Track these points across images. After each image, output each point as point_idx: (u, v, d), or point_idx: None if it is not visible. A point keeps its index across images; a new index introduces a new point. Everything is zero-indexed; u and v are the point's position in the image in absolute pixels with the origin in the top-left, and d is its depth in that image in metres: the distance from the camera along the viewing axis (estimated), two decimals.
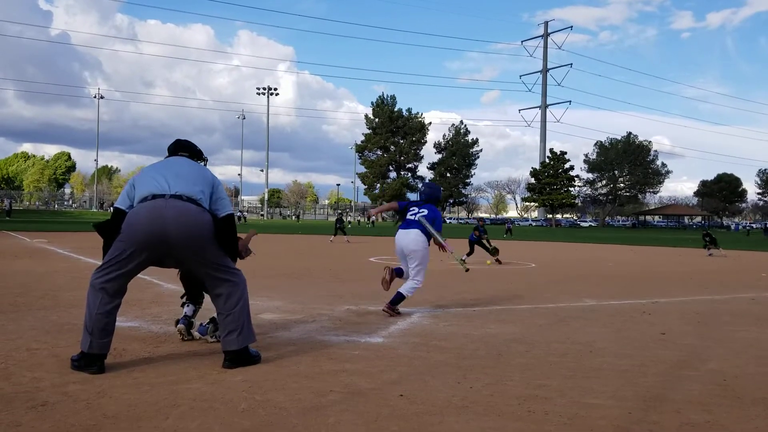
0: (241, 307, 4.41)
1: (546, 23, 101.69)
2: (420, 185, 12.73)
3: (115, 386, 3.70)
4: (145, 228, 4.06)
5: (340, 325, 5.96)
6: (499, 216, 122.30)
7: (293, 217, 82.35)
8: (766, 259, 21.45)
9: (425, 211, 6.96)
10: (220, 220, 4.38)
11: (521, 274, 13.02)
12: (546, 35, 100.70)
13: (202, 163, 4.74)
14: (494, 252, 16.03)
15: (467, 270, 7.81)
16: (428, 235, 6.83)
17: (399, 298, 6.77)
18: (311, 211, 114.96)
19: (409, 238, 6.88)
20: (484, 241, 16.40)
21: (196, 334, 5.20)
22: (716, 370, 4.55)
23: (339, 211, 40.54)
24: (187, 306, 5.30)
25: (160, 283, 9.04)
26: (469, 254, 15.90)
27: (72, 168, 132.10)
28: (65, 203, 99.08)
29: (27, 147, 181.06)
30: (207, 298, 5.02)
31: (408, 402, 3.54)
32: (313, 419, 3.21)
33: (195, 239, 4.14)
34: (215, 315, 4.72)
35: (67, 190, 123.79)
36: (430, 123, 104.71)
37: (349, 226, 62.82)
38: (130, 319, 6.05)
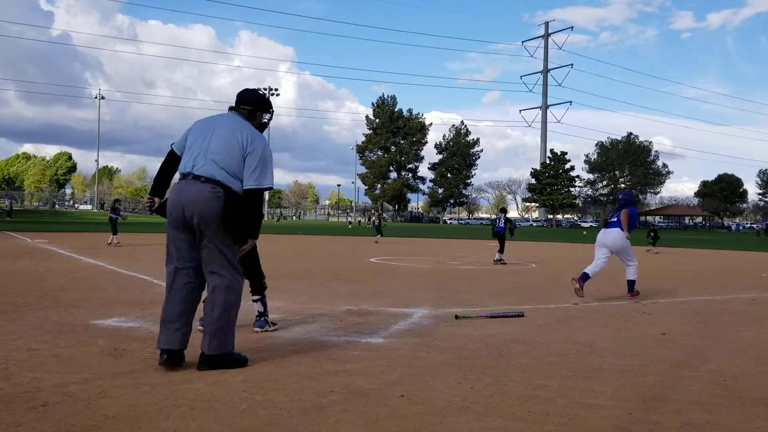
0: (218, 312, 4.21)
1: (546, 23, 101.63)
2: (618, 194, 12.38)
3: (116, 386, 3.70)
4: (171, 211, 4.17)
5: (341, 326, 5.96)
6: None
7: (275, 217, 78.68)
8: (766, 259, 21.43)
9: (623, 213, 8.57)
10: (241, 192, 4.17)
11: (522, 274, 13.02)
12: (546, 35, 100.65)
13: (267, 117, 4.56)
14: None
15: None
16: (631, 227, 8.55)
17: (632, 282, 8.66)
18: (312, 211, 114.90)
19: (611, 237, 8.62)
20: (507, 233, 15.83)
21: (256, 329, 5.55)
22: (716, 370, 4.55)
23: (376, 212, 40.15)
24: (258, 303, 5.64)
25: (161, 284, 9.04)
26: (501, 250, 15.64)
27: (73, 168, 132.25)
28: (66, 203, 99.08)
29: (28, 147, 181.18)
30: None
31: (408, 402, 3.54)
32: (313, 419, 3.21)
33: (204, 224, 4.07)
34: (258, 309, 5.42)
35: (68, 191, 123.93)
36: (431, 123, 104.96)
37: (350, 227, 62.94)
38: (131, 319, 6.05)
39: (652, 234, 24.42)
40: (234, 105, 4.45)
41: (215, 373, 4.07)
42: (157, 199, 4.50)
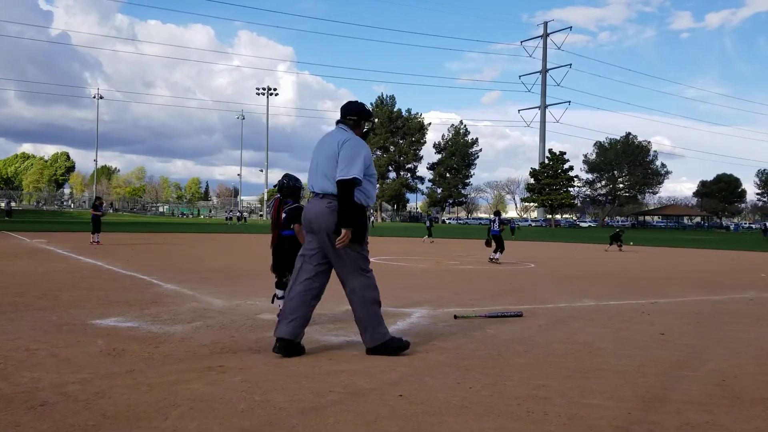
0: (367, 312, 4.68)
1: (545, 23, 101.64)
2: None
3: (114, 387, 3.70)
4: (304, 223, 4.83)
5: (340, 326, 5.96)
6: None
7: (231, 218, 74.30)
8: (765, 259, 21.46)
9: None
10: (336, 184, 4.53)
11: (520, 275, 13.02)
12: (545, 35, 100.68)
13: (368, 125, 4.91)
14: (501, 249, 16.07)
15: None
16: None
17: None
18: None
19: None
20: (508, 232, 16.31)
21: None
22: (716, 370, 4.55)
23: (431, 214, 39.79)
24: (278, 299, 5.82)
25: (160, 284, 9.04)
26: (501, 250, 15.94)
27: (71, 168, 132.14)
28: (65, 203, 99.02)
29: (27, 147, 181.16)
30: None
31: (407, 402, 3.54)
32: (312, 419, 3.21)
33: (324, 232, 4.59)
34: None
35: (67, 191, 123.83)
36: (430, 123, 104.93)
37: None
38: (130, 319, 6.05)
39: (621, 234, 25.08)
40: (341, 117, 4.85)
41: (214, 373, 4.07)
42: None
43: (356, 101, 4.95)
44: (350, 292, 4.72)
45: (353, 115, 4.82)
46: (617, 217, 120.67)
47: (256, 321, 6.13)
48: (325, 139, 4.81)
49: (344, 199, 4.50)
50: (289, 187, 6.12)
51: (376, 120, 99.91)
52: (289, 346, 4.57)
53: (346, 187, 4.48)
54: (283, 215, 5.96)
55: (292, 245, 5.73)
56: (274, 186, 6.10)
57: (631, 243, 24.34)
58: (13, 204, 61.14)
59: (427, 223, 30.25)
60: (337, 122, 4.84)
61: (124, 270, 11.03)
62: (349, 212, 4.52)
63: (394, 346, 4.70)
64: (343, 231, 4.49)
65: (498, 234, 16.19)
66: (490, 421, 3.26)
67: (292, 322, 4.58)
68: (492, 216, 17.34)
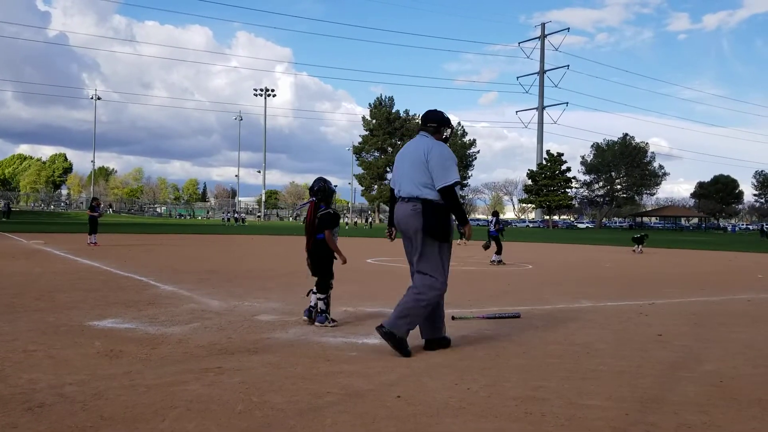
0: (411, 300, 4.86)
1: (543, 25, 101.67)
2: None
3: (112, 388, 3.69)
4: (396, 226, 5.20)
5: (338, 327, 5.96)
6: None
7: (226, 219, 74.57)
8: (762, 260, 21.49)
9: None
10: (437, 199, 4.90)
11: (518, 276, 13.02)
12: (543, 37, 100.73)
13: (448, 131, 5.23)
14: (487, 247, 16.17)
15: None
16: None
17: None
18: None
19: None
20: (501, 235, 16.34)
21: (317, 324, 5.94)
22: (713, 371, 4.56)
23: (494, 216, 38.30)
24: (313, 294, 6.04)
25: (157, 285, 9.03)
26: (498, 252, 15.98)
27: (69, 169, 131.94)
28: (62, 204, 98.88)
29: (24, 148, 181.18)
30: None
31: (405, 403, 3.54)
32: (310, 421, 3.21)
33: (411, 233, 4.96)
34: (313, 304, 5.97)
35: (64, 192, 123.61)
36: None
37: (346, 227, 62.91)
38: (127, 320, 6.04)
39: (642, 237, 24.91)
40: (421, 125, 5.20)
41: (211, 374, 4.07)
42: (393, 229, 5.42)
43: (435, 110, 5.25)
44: (413, 286, 4.97)
45: (433, 122, 5.15)
46: (615, 218, 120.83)
47: (254, 322, 6.13)
48: (409, 147, 5.16)
49: (452, 201, 4.92)
50: (324, 191, 6.21)
51: (374, 121, 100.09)
52: (432, 343, 5.06)
53: (450, 191, 4.89)
54: (317, 220, 6.08)
55: (324, 249, 6.03)
56: (309, 189, 6.23)
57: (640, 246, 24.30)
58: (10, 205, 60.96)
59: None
60: (419, 130, 5.21)
61: (121, 271, 11.01)
62: (460, 211, 5.01)
63: (398, 345, 4.80)
64: (466, 228, 5.07)
65: (496, 235, 16.25)
66: (488, 422, 3.26)
67: (426, 320, 5.01)
68: (490, 217, 17.39)
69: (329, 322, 5.95)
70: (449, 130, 5.26)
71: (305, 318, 6.09)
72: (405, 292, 5.00)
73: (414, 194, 4.93)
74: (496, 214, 17.32)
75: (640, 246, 24.24)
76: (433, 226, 4.86)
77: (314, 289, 6.10)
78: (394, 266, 14.35)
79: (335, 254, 6.13)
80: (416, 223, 4.89)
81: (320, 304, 5.98)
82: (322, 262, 6.08)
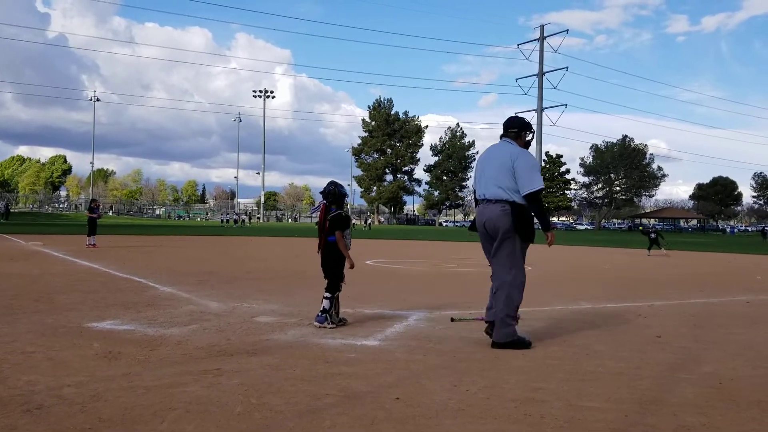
0: (507, 305, 5.18)
1: (542, 27, 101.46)
2: None
3: (110, 389, 3.69)
4: (478, 227, 5.47)
5: (337, 329, 5.95)
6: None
7: (224, 220, 75.14)
8: (761, 261, 21.50)
9: None
10: (523, 201, 5.22)
11: None
12: (542, 39, 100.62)
13: (530, 135, 5.50)
14: None
15: None
16: None
17: None
18: (307, 213, 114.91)
19: None
20: None
21: (315, 323, 5.97)
22: (712, 372, 4.56)
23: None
24: (325, 299, 6.05)
25: (156, 286, 9.02)
26: None
27: (68, 171, 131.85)
28: (61, 206, 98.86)
29: (23, 150, 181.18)
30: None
31: (404, 405, 3.54)
32: (309, 422, 3.21)
33: (498, 232, 5.23)
34: (324, 305, 5.98)
35: (63, 193, 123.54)
36: (427, 126, 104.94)
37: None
38: (126, 322, 6.04)
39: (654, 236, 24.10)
40: (503, 131, 5.48)
41: (210, 376, 4.07)
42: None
43: (516, 115, 5.60)
44: (499, 286, 5.28)
45: (514, 127, 5.46)
46: (614, 220, 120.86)
47: (253, 324, 6.12)
48: (493, 151, 5.46)
49: (537, 207, 5.27)
50: (334, 194, 6.26)
51: (373, 122, 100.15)
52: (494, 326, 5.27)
53: (536, 197, 5.21)
54: (327, 222, 6.14)
55: (335, 251, 6.09)
56: (321, 192, 6.28)
57: (651, 250, 23.37)
58: (9, 206, 60.95)
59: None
60: (501, 136, 5.50)
61: (120, 272, 11.00)
62: (545, 217, 5.42)
63: (520, 345, 5.18)
64: (549, 234, 5.35)
65: None
66: (487, 424, 3.26)
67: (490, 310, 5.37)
68: None
69: (329, 323, 5.95)
70: (531, 134, 5.53)
71: (332, 326, 6.04)
72: (490, 293, 5.43)
73: (502, 197, 5.23)
74: None
75: (661, 247, 23.06)
76: (521, 227, 5.20)
77: (326, 295, 6.12)
78: (393, 267, 14.36)
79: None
80: (505, 223, 5.19)
81: (325, 303, 6.01)
82: (333, 263, 6.12)
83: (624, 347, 5.42)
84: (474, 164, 5.00)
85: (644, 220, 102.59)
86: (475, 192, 5.62)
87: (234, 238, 31.48)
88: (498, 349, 5.14)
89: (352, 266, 6.13)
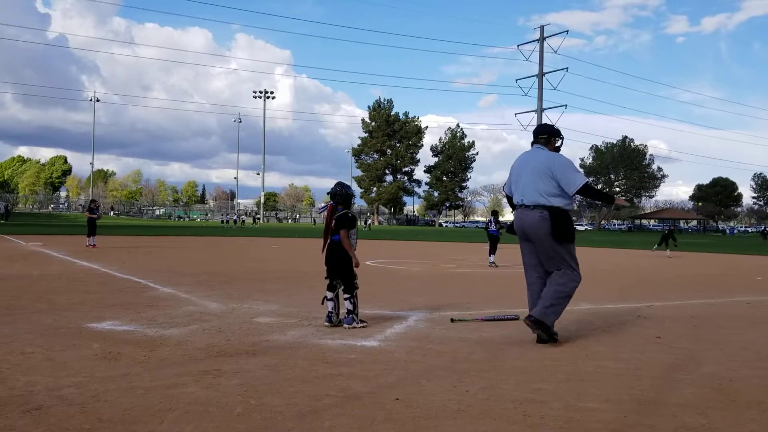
0: (553, 291, 5.40)
1: (542, 27, 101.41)
2: None
3: (110, 390, 3.69)
4: (517, 231, 5.67)
5: (336, 329, 5.96)
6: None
7: (225, 221, 75.81)
8: (760, 262, 21.51)
9: None
10: (562, 206, 5.45)
11: (516, 278, 13.01)
12: (542, 39, 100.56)
13: (559, 141, 5.75)
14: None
15: None
16: None
17: None
18: (307, 214, 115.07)
19: None
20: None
21: (345, 325, 6.04)
22: (711, 373, 4.56)
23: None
24: (328, 300, 6.16)
25: (156, 287, 9.02)
26: (493, 252, 15.93)
27: (68, 171, 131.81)
28: (60, 206, 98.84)
29: (23, 150, 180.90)
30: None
31: (404, 406, 3.54)
32: (308, 423, 3.21)
33: (539, 237, 5.44)
34: (331, 309, 6.09)
35: (63, 194, 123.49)
36: (427, 127, 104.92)
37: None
38: (125, 322, 6.03)
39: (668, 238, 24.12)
40: (534, 138, 5.75)
41: (210, 377, 4.07)
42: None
43: (546, 123, 5.93)
44: (549, 283, 5.49)
45: (544, 134, 5.71)
46: (614, 221, 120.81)
47: (253, 324, 6.12)
48: (527, 158, 5.69)
49: (592, 195, 5.75)
50: (341, 195, 6.31)
51: (373, 123, 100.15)
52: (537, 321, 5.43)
53: (585, 190, 5.46)
54: (333, 222, 6.19)
55: (341, 250, 6.15)
56: (327, 193, 6.33)
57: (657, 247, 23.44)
58: (9, 207, 60.91)
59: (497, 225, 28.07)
60: (532, 143, 5.77)
61: (119, 273, 11.01)
62: (603, 196, 6.05)
63: (548, 331, 5.39)
64: (617, 199, 6.06)
65: (497, 234, 16.18)
66: (487, 425, 3.26)
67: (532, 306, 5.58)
68: (489, 216, 17.34)
69: (357, 323, 6.01)
70: (560, 140, 5.78)
71: (326, 324, 6.09)
72: (527, 292, 5.70)
73: (540, 202, 5.43)
74: (495, 213, 17.19)
75: (667, 248, 23.00)
76: (560, 230, 5.40)
77: (327, 295, 6.17)
78: (393, 268, 14.36)
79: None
80: (544, 228, 5.39)
81: (347, 305, 6.06)
82: (340, 263, 6.16)
83: (623, 348, 5.42)
84: (510, 168, 5.07)
85: (644, 221, 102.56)
86: (508, 197, 5.95)
87: (234, 238, 31.47)
88: (495, 349, 5.14)
89: (357, 265, 6.16)
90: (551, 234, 5.38)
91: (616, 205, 5.79)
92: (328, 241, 6.25)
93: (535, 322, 5.32)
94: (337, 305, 6.17)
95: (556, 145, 5.75)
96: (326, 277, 6.26)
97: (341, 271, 6.16)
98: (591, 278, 13.07)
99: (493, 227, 16.45)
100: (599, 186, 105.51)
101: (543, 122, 5.87)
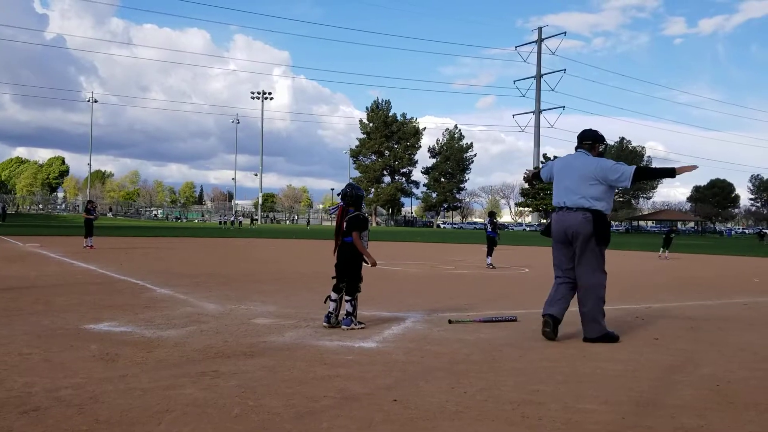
0: (597, 304, 5.65)
1: (540, 29, 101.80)
2: None
3: (108, 391, 3.68)
4: (555, 234, 5.92)
5: (334, 330, 5.95)
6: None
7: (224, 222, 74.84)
8: (758, 264, 21.54)
9: None
10: (603, 209, 5.73)
11: (515, 279, 13.04)
12: (540, 41, 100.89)
13: (602, 146, 5.99)
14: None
15: None
16: None
17: None
18: (305, 215, 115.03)
19: None
20: (497, 238, 16.32)
21: (343, 327, 6.03)
22: (709, 374, 4.56)
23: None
24: (331, 300, 6.19)
25: (153, 288, 9.01)
26: (490, 253, 15.92)
27: (65, 172, 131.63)
28: (58, 207, 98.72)
29: (21, 151, 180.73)
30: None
31: (402, 407, 3.54)
32: (306, 424, 3.20)
33: (580, 238, 5.68)
34: (332, 310, 6.12)
35: (60, 195, 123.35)
36: (425, 128, 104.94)
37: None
38: (123, 323, 6.03)
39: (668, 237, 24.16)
40: (578, 143, 6.01)
41: (207, 378, 4.06)
42: (529, 171, 6.91)
43: (590, 129, 6.06)
44: (585, 289, 5.70)
45: (588, 140, 5.96)
46: (611, 222, 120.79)
47: (250, 326, 6.12)
48: (572, 162, 5.93)
49: (645, 178, 6.18)
50: (351, 196, 6.32)
51: (371, 124, 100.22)
52: (553, 320, 5.66)
53: (636, 177, 5.71)
54: (345, 223, 6.19)
55: (352, 252, 6.14)
56: (338, 194, 6.34)
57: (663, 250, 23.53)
58: (6, 208, 60.85)
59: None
60: (576, 148, 6.01)
61: (117, 274, 10.99)
62: (659, 171, 6.46)
63: (610, 339, 5.64)
64: (678, 169, 5.92)
65: (493, 235, 16.18)
66: (485, 426, 3.26)
67: (558, 303, 5.76)
68: (486, 218, 17.36)
69: (356, 325, 6.02)
70: (603, 145, 6.03)
71: (325, 324, 6.08)
72: (552, 290, 5.92)
73: (584, 205, 5.68)
74: (492, 214, 17.17)
75: (665, 250, 23.08)
76: (601, 232, 5.67)
77: (331, 296, 6.18)
78: (391, 269, 14.35)
79: (364, 257, 6.18)
80: (587, 229, 5.64)
81: (347, 306, 6.06)
82: (350, 265, 6.16)
83: (621, 349, 5.42)
84: (551, 166, 5.16)
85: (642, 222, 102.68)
86: (539, 177, 6.43)
87: (232, 239, 31.45)
88: (493, 351, 5.14)
89: (374, 264, 6.17)
90: (593, 234, 5.63)
91: (679, 174, 5.81)
92: (340, 242, 6.25)
93: (598, 339, 5.61)
94: (338, 307, 6.16)
95: (600, 149, 5.98)
96: (334, 277, 6.25)
97: (347, 273, 6.15)
98: None
99: (490, 229, 16.45)
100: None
101: (587, 128, 5.93)
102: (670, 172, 5.99)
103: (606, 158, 5.91)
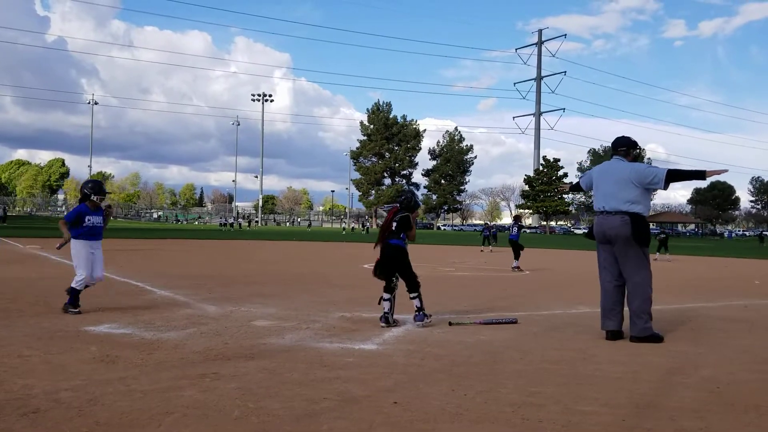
0: (644, 301, 5.86)
1: (540, 31, 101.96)
2: None
3: (107, 393, 3.68)
4: (597, 235, 6.18)
5: (334, 332, 5.95)
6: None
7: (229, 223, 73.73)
8: (758, 266, 21.54)
9: None
10: (640, 212, 5.94)
11: (515, 281, 13.03)
12: (540, 43, 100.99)
13: (635, 151, 6.28)
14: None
15: None
16: None
17: None
18: (305, 217, 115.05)
19: None
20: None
21: (417, 323, 6.34)
22: (709, 376, 4.56)
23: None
24: (384, 301, 6.37)
25: (154, 290, 9.01)
26: (516, 256, 16.09)
27: (66, 174, 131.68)
28: (59, 209, 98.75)
29: (22, 153, 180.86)
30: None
31: (402, 409, 3.54)
32: (306, 426, 3.20)
33: (621, 241, 5.92)
34: (387, 310, 6.35)
35: (61, 197, 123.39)
36: (425, 130, 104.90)
37: (344, 232, 62.89)
38: (123, 325, 6.02)
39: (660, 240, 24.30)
40: (613, 150, 6.28)
41: (207, 380, 4.06)
42: (564, 185, 7.49)
43: (623, 136, 6.32)
44: (634, 286, 5.92)
45: (623, 146, 6.22)
46: None
47: (250, 328, 6.12)
48: (609, 169, 6.21)
49: (678, 179, 6.20)
50: (408, 202, 6.65)
51: (371, 126, 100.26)
52: (617, 334, 5.94)
53: (670, 178, 5.96)
54: (394, 224, 6.47)
55: (396, 251, 6.45)
56: (395, 197, 6.85)
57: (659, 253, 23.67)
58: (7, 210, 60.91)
59: (485, 232, 30.77)
60: (612, 155, 6.27)
61: (117, 276, 10.98)
62: (691, 173, 6.35)
63: (656, 339, 5.81)
64: (708, 172, 6.00)
65: (515, 239, 16.42)
66: (485, 428, 3.26)
67: (616, 316, 6.00)
68: (512, 221, 17.82)
69: (428, 318, 6.36)
70: (636, 151, 6.35)
71: (383, 324, 6.29)
72: (601, 292, 6.16)
73: (622, 209, 5.91)
74: (517, 218, 17.84)
75: (665, 252, 23.11)
76: (640, 234, 5.89)
77: (384, 296, 6.36)
78: None
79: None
80: (626, 231, 5.87)
81: (416, 303, 6.35)
82: (397, 263, 6.42)
83: (621, 351, 5.42)
84: (590, 173, 5.33)
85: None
86: (579, 186, 6.81)
87: (232, 241, 31.43)
88: (493, 353, 5.14)
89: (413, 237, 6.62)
90: (632, 236, 5.84)
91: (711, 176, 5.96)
92: (384, 242, 6.48)
93: (645, 339, 5.77)
94: (392, 306, 6.35)
95: (633, 155, 6.25)
96: (379, 276, 6.45)
97: (401, 271, 6.46)
98: (589, 282, 13.06)
99: (514, 232, 16.79)
100: None
101: (621, 135, 6.13)
102: (701, 174, 6.12)
103: (640, 164, 6.17)
